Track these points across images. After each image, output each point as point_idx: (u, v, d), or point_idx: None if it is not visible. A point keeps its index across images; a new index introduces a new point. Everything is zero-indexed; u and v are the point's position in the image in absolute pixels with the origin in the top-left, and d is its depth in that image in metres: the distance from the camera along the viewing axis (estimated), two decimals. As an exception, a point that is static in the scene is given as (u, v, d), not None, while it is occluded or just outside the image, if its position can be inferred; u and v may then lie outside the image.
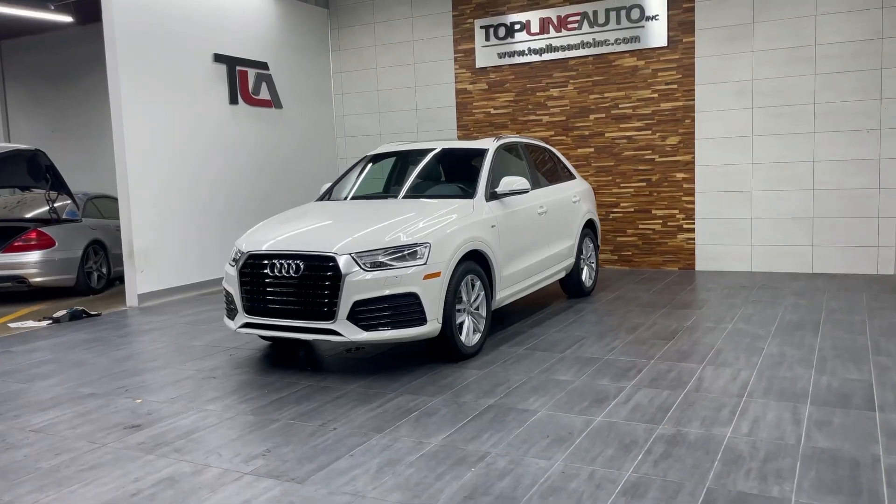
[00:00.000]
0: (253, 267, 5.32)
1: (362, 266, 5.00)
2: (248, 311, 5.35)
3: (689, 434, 3.83)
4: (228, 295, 5.59)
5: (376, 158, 7.18)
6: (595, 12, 9.69)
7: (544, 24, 10.01)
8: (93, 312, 8.01)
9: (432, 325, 5.11)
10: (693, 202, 9.47)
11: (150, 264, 8.60)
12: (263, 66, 10.26)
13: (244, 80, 9.94)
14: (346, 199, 6.77)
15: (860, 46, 8.45)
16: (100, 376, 5.49)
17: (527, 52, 10.17)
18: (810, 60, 8.69)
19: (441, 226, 5.37)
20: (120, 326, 7.37)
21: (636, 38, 9.52)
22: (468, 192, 6.12)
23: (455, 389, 4.78)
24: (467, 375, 5.09)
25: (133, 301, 8.50)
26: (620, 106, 9.74)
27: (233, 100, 9.76)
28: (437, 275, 5.14)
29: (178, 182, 8.99)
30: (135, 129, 8.38)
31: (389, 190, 6.62)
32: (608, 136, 9.86)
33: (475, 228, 5.67)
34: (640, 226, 9.80)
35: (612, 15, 9.60)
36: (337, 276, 4.99)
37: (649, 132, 9.62)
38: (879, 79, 8.40)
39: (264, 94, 10.30)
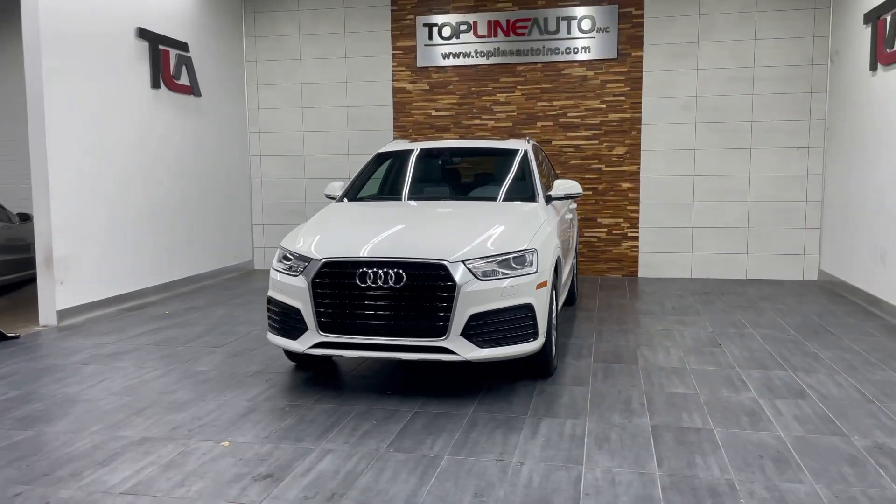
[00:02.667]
0: (332, 277, 4.52)
1: (475, 275, 4.43)
2: (325, 329, 4.54)
3: (890, 445, 3.79)
4: (287, 309, 4.69)
5: (388, 157, 6.49)
6: (546, 20, 9.64)
7: (492, 28, 9.78)
8: (10, 334, 6.46)
9: (541, 340, 4.66)
10: (638, 211, 9.73)
11: (71, 274, 7.13)
12: (184, 46, 9.00)
13: (166, 61, 8.64)
14: (382, 199, 6.06)
15: (793, 71, 9.18)
16: (125, 415, 4.37)
17: (473, 54, 9.88)
18: (749, 81, 9.30)
19: (537, 230, 4.93)
20: (66, 352, 5.98)
21: (587, 49, 9.60)
22: (526, 195, 5.71)
23: (587, 410, 4.38)
24: (576, 393, 4.71)
25: (50, 319, 6.98)
26: (569, 115, 9.77)
27: (155, 83, 8.44)
28: (545, 284, 4.70)
29: (101, 176, 7.57)
30: (55, 113, 6.90)
31: (427, 191, 5.95)
32: (556, 145, 9.85)
33: (555, 234, 5.29)
34: (586, 234, 9.89)
35: (564, 24, 9.61)
36: (450, 287, 4.38)
37: (597, 142, 9.74)
38: (809, 102, 9.18)
39: (185, 79, 9.03)
